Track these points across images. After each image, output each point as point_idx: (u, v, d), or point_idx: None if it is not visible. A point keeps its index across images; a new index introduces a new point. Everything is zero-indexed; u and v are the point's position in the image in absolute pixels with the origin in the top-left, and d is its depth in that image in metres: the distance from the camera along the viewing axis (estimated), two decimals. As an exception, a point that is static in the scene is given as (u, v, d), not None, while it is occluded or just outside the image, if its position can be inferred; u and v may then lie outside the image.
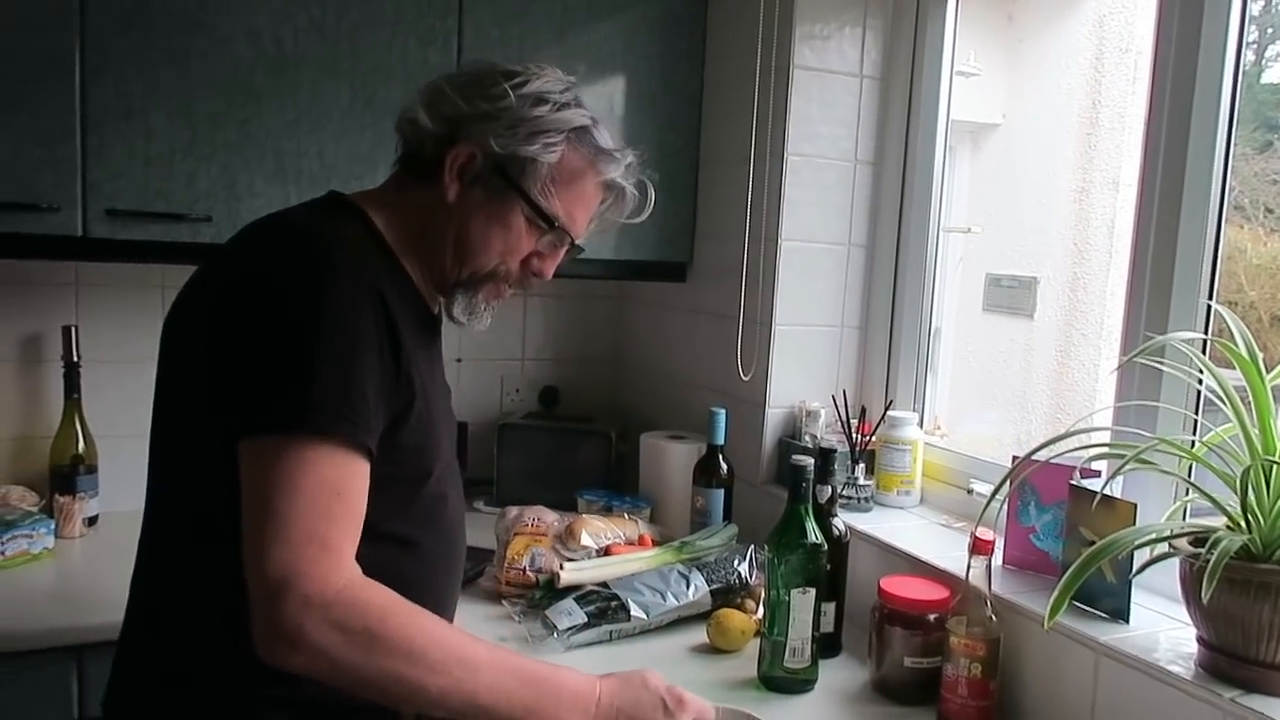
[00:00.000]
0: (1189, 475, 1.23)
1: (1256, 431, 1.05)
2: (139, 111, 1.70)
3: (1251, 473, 1.03)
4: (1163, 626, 1.24)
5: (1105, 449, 1.21)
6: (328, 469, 0.93)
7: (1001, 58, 5.04)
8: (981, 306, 5.24)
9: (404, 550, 1.08)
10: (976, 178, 5.29)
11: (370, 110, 1.85)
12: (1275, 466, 1.02)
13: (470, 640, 0.98)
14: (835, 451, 1.54)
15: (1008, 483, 1.34)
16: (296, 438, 0.92)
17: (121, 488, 1.91)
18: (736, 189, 1.94)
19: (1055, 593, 1.10)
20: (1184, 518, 1.28)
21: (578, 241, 1.17)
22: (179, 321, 1.04)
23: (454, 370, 2.41)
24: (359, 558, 0.98)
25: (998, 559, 1.48)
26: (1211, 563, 0.97)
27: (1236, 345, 1.09)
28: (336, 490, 0.93)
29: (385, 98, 1.85)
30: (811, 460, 1.41)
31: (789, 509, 1.40)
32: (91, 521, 1.92)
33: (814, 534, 1.39)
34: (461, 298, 1.13)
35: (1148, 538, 1.14)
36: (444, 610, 1.11)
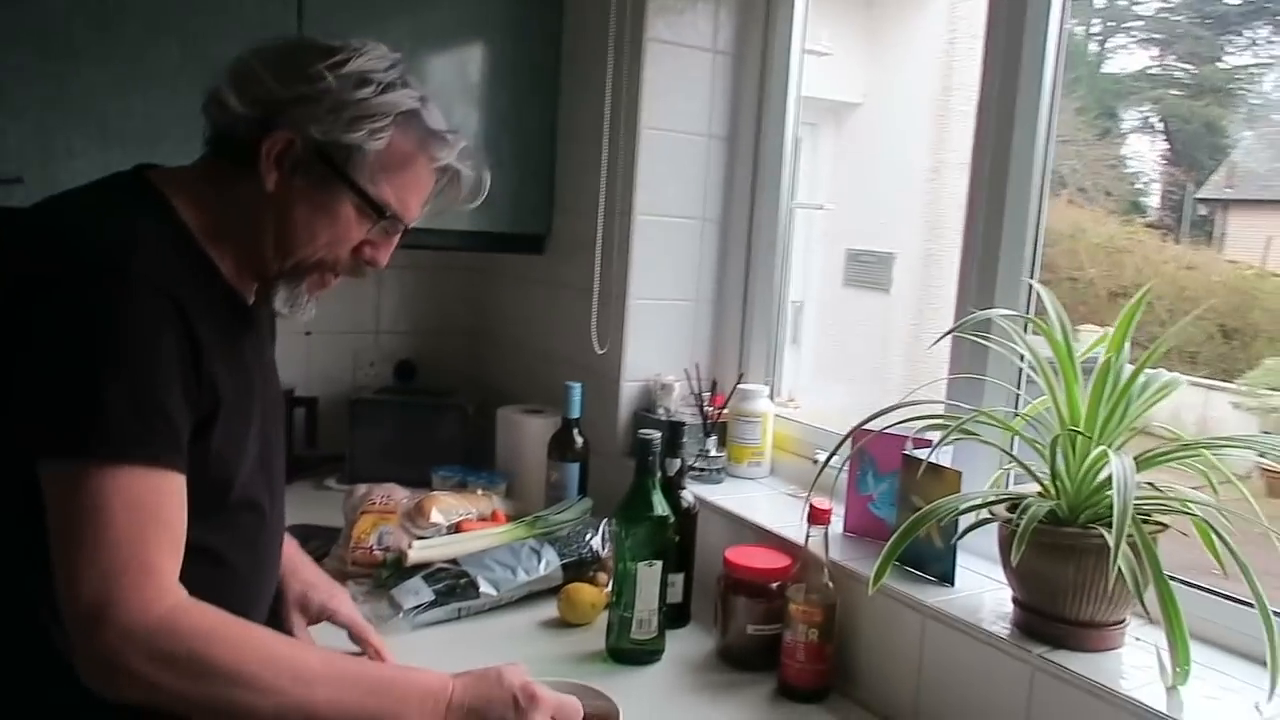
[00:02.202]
0: (1012, 446, 1.29)
1: (1065, 403, 1.12)
2: (-67, 61, 1.56)
3: (1060, 442, 1.09)
4: (986, 588, 1.31)
5: (933, 420, 1.25)
6: (138, 490, 0.87)
7: (863, 40, 5.18)
8: (842, 281, 5.42)
9: (207, 560, 1.01)
10: (839, 155, 5.44)
11: (204, 69, 1.71)
12: (1079, 436, 1.08)
13: (308, 654, 0.95)
14: (685, 425, 1.56)
15: (845, 451, 1.37)
16: (97, 464, 0.86)
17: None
18: (593, 162, 1.92)
19: (879, 559, 1.15)
20: (1007, 487, 1.35)
21: (410, 226, 1.12)
22: None
23: (304, 343, 2.33)
24: None
25: (839, 527, 1.53)
26: (1021, 527, 1.03)
27: (1049, 321, 1.14)
28: (150, 510, 0.88)
29: (221, 56, 1.73)
30: (658, 434, 1.42)
31: (635, 482, 1.41)
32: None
33: (660, 507, 1.40)
34: (284, 288, 1.06)
35: (969, 504, 1.19)
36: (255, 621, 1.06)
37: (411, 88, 1.05)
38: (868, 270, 5.21)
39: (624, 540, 1.39)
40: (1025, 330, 1.27)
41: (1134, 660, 1.11)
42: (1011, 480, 1.37)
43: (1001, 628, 1.19)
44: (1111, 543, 0.90)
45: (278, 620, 1.26)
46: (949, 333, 1.22)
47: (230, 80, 1.01)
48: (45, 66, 1.63)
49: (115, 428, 0.86)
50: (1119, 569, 0.94)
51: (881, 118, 5.04)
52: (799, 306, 5.46)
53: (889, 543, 1.15)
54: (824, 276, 5.51)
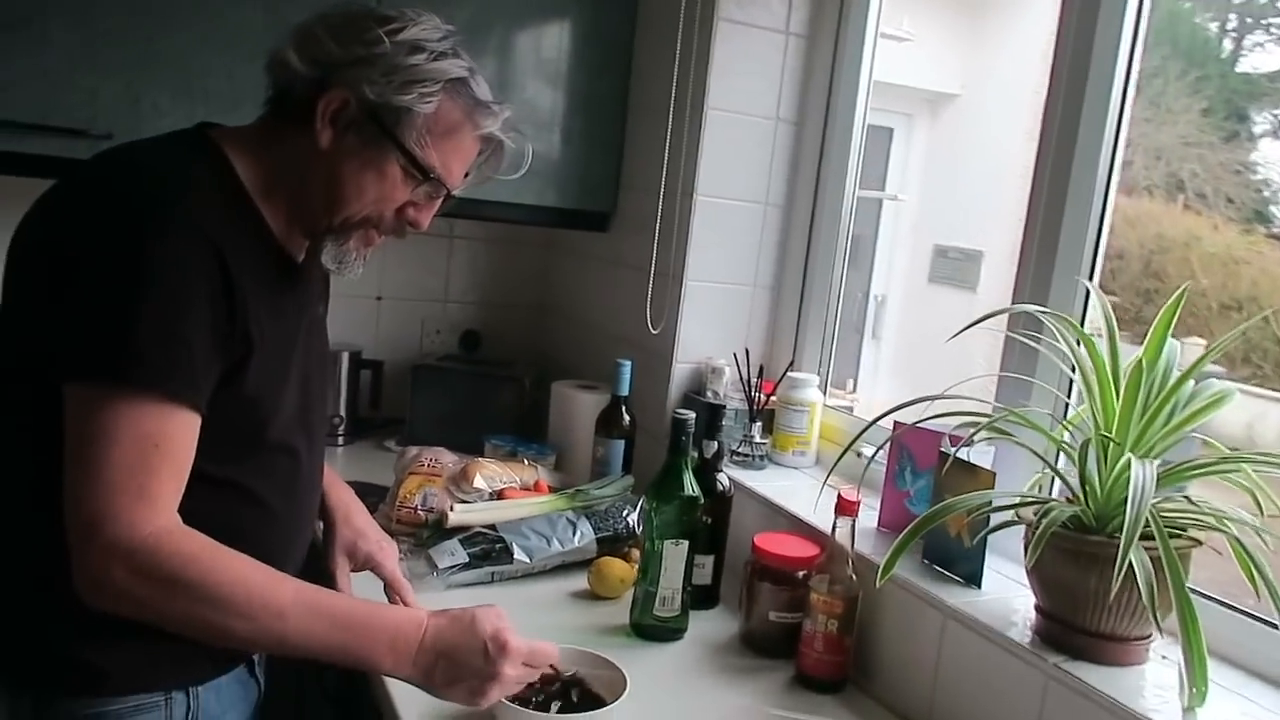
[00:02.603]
0: (1056, 456, 1.25)
1: (1101, 408, 1.08)
2: (34, 20, 1.65)
3: (1092, 446, 1.05)
4: (1013, 593, 1.27)
5: (968, 417, 1.22)
6: (148, 422, 0.93)
7: (964, 30, 5.03)
8: (927, 277, 5.28)
9: (242, 500, 1.07)
10: (932, 147, 5.30)
11: (283, 35, 1.80)
12: (1110, 443, 1.04)
13: (283, 585, 0.99)
14: (723, 408, 1.56)
15: (862, 442, 1.34)
16: (117, 389, 0.92)
17: None
18: (658, 141, 1.92)
19: (890, 550, 1.13)
20: (1050, 493, 1.30)
21: (454, 193, 1.15)
22: (17, 248, 1.01)
23: (374, 308, 2.40)
24: (195, 502, 0.98)
25: (873, 521, 1.51)
26: (1039, 531, 1.00)
27: (1101, 324, 1.10)
28: (155, 442, 0.93)
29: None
30: (692, 414, 1.42)
31: (668, 460, 1.41)
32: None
33: (690, 487, 1.41)
34: (331, 244, 1.11)
35: (997, 504, 1.16)
36: (285, 566, 1.11)
37: (462, 59, 1.10)
38: (955, 267, 5.06)
39: (653, 517, 1.40)
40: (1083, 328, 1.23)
41: (1156, 678, 1.07)
42: (1054, 488, 1.32)
43: (1021, 634, 1.16)
44: (1120, 550, 0.87)
45: (317, 564, 1.31)
46: (969, 327, 1.19)
47: (294, 42, 1.06)
48: (135, 28, 1.71)
49: (136, 357, 0.92)
50: (1135, 582, 0.90)
51: (980, 110, 4.89)
52: (881, 301, 5.36)
53: (903, 534, 1.13)
54: (909, 272, 5.38)
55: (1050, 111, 1.38)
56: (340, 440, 2.23)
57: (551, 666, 1.15)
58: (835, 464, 1.37)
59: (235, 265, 0.99)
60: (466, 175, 1.17)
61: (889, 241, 5.25)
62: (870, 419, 1.75)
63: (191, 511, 0.97)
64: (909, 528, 1.13)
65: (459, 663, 1.02)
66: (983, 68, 4.85)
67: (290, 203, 1.10)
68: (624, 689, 1.16)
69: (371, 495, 1.82)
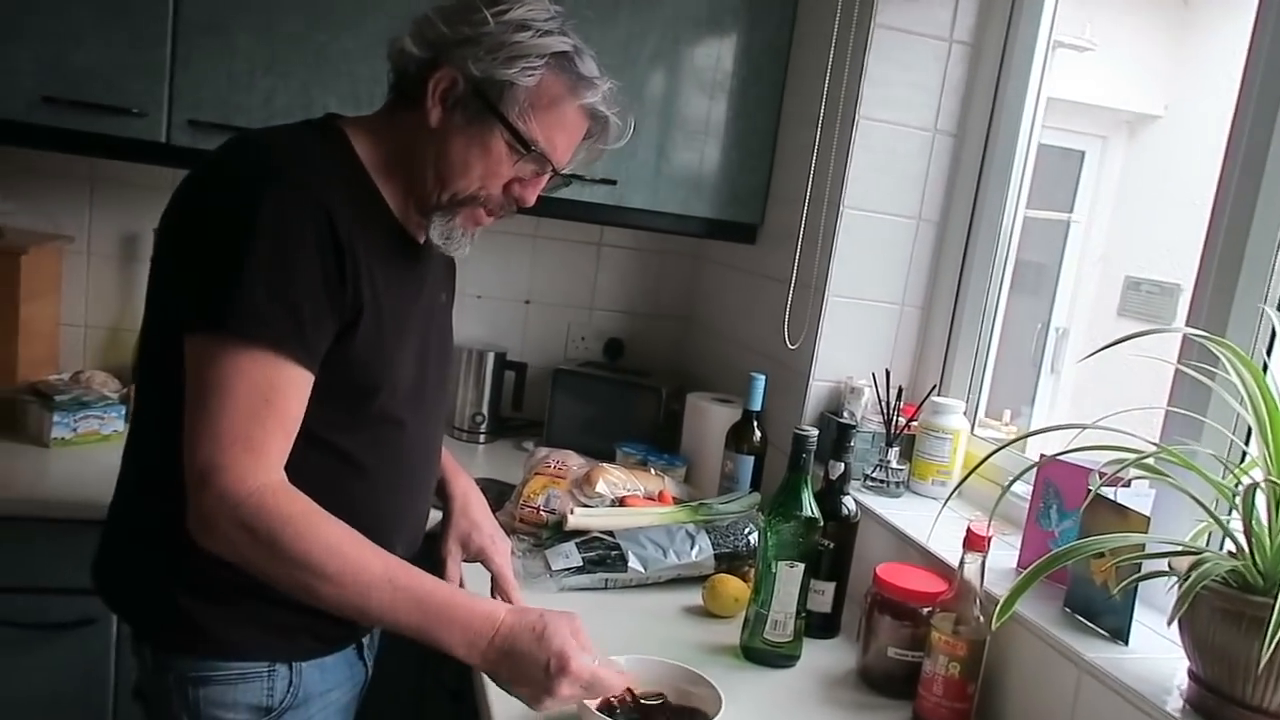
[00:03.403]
0: (1225, 509, 1.10)
1: (1273, 450, 0.94)
2: (224, 27, 1.78)
3: (1260, 493, 0.92)
4: (1165, 654, 1.14)
5: (1119, 453, 1.10)
6: (258, 374, 0.97)
7: (1169, 43, 4.65)
8: (1116, 310, 4.90)
9: (350, 469, 1.10)
10: (1129, 172, 4.92)
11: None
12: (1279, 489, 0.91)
13: (373, 558, 1.00)
14: (853, 428, 1.48)
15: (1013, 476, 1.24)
16: (228, 341, 0.97)
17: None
18: (807, 150, 1.86)
19: (1009, 590, 1.02)
20: (1219, 547, 1.16)
21: (561, 170, 1.16)
22: (161, 225, 1.09)
23: (522, 311, 2.44)
24: (305, 464, 1.01)
25: (1012, 560, 1.40)
26: (1186, 585, 0.88)
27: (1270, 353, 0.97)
28: (265, 395, 0.97)
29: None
30: (815, 431, 1.36)
31: (786, 478, 1.35)
32: (162, 413, 2.05)
33: (809, 507, 1.34)
34: (439, 221, 1.14)
35: (1147, 550, 1.04)
36: (392, 538, 1.13)
37: (568, 36, 1.11)
38: (1148, 301, 4.67)
39: (768, 536, 1.35)
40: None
41: (1329, 768, 0.92)
42: (1221, 540, 1.17)
43: (1169, 701, 1.03)
44: (1276, 611, 0.75)
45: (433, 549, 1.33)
46: (1103, 349, 1.07)
47: (411, 29, 1.11)
48: (312, 34, 1.82)
49: (248, 308, 0.96)
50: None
51: (1184, 133, 4.50)
52: (1062, 333, 5.02)
53: (1026, 571, 1.03)
54: (1096, 304, 5.01)
55: (1238, 124, 1.24)
56: (481, 438, 2.28)
57: (629, 691, 1.11)
58: (958, 480, 1.26)
59: (346, 232, 1.02)
60: (578, 153, 1.19)
61: (1073, 271, 4.92)
62: (1028, 453, 1.63)
63: (298, 474, 1.01)
64: (1035, 564, 1.02)
65: (521, 668, 1.01)
66: (1189, 86, 4.47)
67: (406, 181, 1.13)
68: (718, 710, 1.11)
69: (498, 490, 1.86)
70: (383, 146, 1.13)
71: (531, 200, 1.17)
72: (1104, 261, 4.97)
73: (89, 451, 1.85)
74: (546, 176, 1.16)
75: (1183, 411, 1.22)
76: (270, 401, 0.98)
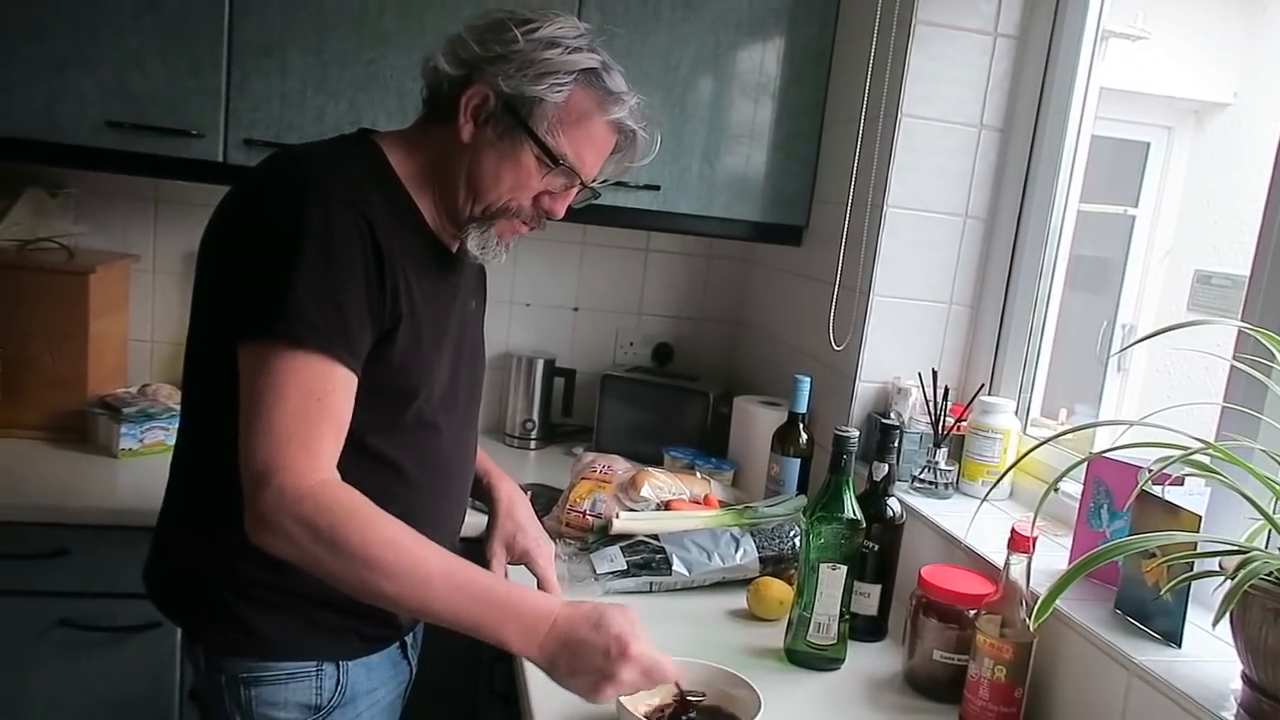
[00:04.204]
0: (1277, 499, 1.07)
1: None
2: (277, 48, 1.83)
3: (1309, 490, 0.89)
4: (1219, 658, 1.10)
5: (1170, 450, 1.07)
6: (308, 375, 1.00)
7: (1240, 29, 4.50)
8: (1186, 305, 4.75)
9: (390, 472, 1.13)
10: (1196, 162, 4.77)
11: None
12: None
13: (431, 553, 1.02)
14: (896, 429, 1.46)
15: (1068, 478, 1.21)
16: (280, 345, 1.00)
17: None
18: (850, 150, 1.85)
19: (1046, 590, 1.00)
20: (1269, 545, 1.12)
21: (589, 184, 1.18)
22: (205, 238, 1.13)
23: (569, 318, 2.47)
24: (348, 470, 1.04)
25: (1063, 562, 1.36)
26: (1233, 585, 0.85)
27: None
28: (317, 396, 1.00)
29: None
30: (855, 432, 1.35)
31: (828, 480, 1.34)
32: (224, 424, 2.12)
33: (851, 509, 1.33)
34: (475, 233, 1.17)
35: (1199, 549, 1.01)
36: (431, 540, 1.15)
37: (597, 53, 1.13)
38: (1221, 295, 4.50)
39: (810, 538, 1.34)
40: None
41: (1390, 777, 0.88)
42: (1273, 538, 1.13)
43: (1221, 705, 0.99)
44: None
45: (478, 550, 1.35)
46: (1138, 342, 1.04)
47: (444, 47, 1.14)
48: (361, 52, 1.86)
49: (296, 315, 0.99)
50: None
51: (1255, 120, 4.34)
52: (1129, 330, 4.87)
53: (1066, 570, 1.01)
54: (1164, 299, 4.86)
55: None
56: (532, 444, 2.31)
57: (676, 685, 1.11)
58: (994, 471, 1.23)
59: (386, 241, 1.06)
60: (607, 167, 1.21)
61: (1139, 266, 4.78)
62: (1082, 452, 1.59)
63: (340, 476, 1.03)
64: (1075, 562, 1.00)
65: (581, 657, 1.01)
66: (1259, 72, 4.32)
67: (439, 193, 1.17)
68: (757, 712, 1.10)
69: (545, 496, 1.87)
70: (416, 160, 1.16)
71: (561, 213, 1.20)
72: (1171, 255, 4.82)
73: (155, 461, 1.92)
74: (575, 189, 1.18)
75: (1238, 407, 1.18)
76: (322, 401, 1.00)
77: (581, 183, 1.17)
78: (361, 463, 1.08)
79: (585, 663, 1.02)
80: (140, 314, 2.22)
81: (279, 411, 0.99)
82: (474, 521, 1.42)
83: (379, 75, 1.88)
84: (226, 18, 1.81)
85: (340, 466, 1.03)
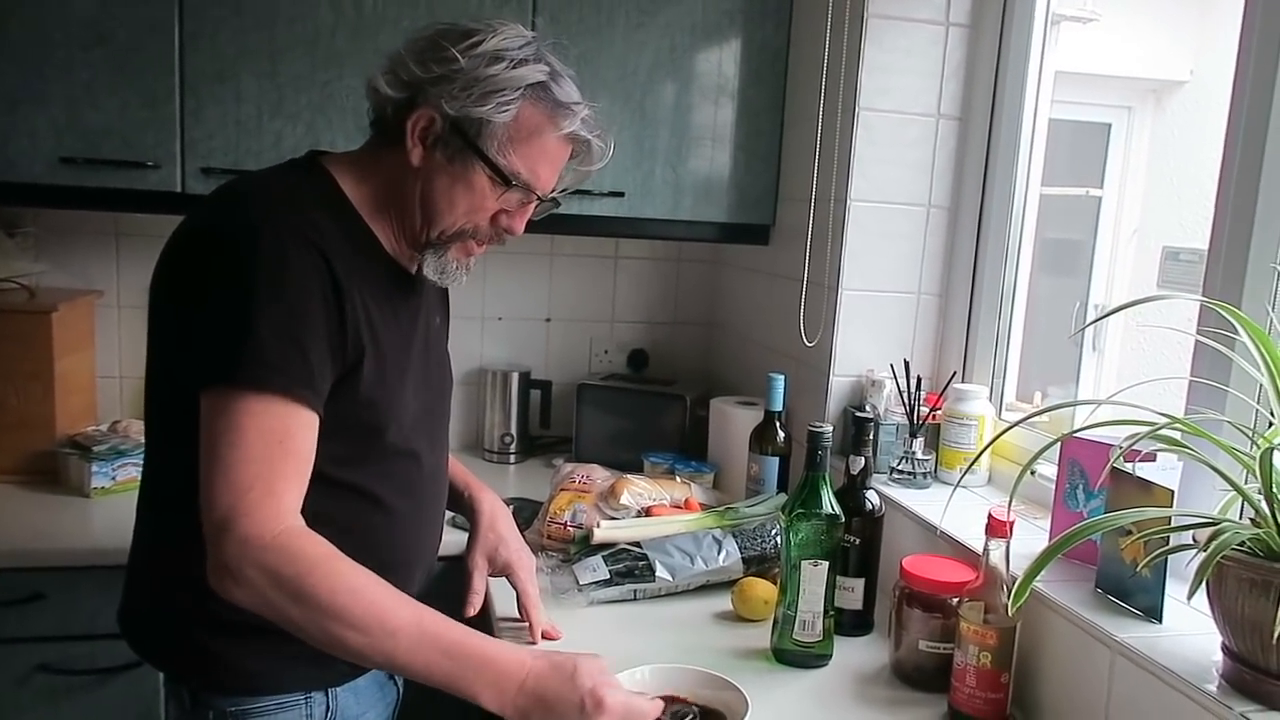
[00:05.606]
0: (1249, 467, 1.08)
1: (1286, 412, 0.91)
2: (230, 74, 1.82)
3: (1275, 456, 0.89)
4: (1200, 631, 1.10)
5: (1137, 426, 1.07)
6: (270, 419, 0.97)
7: (1193, 6, 4.55)
8: (1157, 282, 4.79)
9: (366, 502, 1.11)
10: (1158, 141, 4.82)
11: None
12: (1296, 452, 0.88)
13: (399, 604, 0.99)
14: (870, 421, 1.46)
15: (1044, 459, 1.21)
16: (241, 389, 0.97)
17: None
18: (809, 148, 1.86)
19: (1022, 575, 1.00)
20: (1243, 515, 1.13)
21: (545, 197, 1.16)
22: (156, 274, 1.10)
23: (543, 329, 2.46)
24: (323, 503, 1.02)
25: (1040, 545, 1.36)
26: (1205, 556, 0.86)
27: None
28: (279, 439, 0.98)
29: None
30: (829, 427, 1.35)
31: (804, 476, 1.34)
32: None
33: (830, 504, 1.33)
34: (432, 258, 1.14)
35: (1173, 523, 1.01)
36: (413, 567, 1.13)
37: (544, 63, 1.10)
38: (1189, 271, 4.54)
39: (790, 536, 1.34)
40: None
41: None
42: (1245, 509, 1.14)
43: (1205, 676, 1.00)
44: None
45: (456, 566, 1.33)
46: (1097, 320, 1.04)
47: (383, 67, 1.11)
48: (315, 75, 1.85)
49: (257, 357, 0.97)
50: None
51: (1212, 96, 4.39)
52: (1102, 310, 4.91)
53: (1040, 554, 1.01)
54: (1135, 277, 4.91)
55: (1240, 82, 1.21)
56: (512, 458, 2.30)
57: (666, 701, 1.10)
58: (970, 456, 1.24)
59: (344, 273, 1.03)
60: (564, 177, 1.19)
61: (1108, 246, 4.82)
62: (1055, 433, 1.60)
63: (317, 514, 1.01)
64: (1049, 545, 1.00)
65: (554, 711, 0.99)
66: (1213, 48, 4.37)
67: (395, 217, 1.14)
68: (745, 713, 1.10)
69: (527, 510, 1.86)
70: (369, 184, 1.13)
71: (520, 230, 1.17)
72: (1140, 234, 4.87)
73: (129, 499, 1.84)
74: (533, 205, 1.16)
75: (1205, 380, 1.19)
76: (284, 445, 0.98)
77: (538, 197, 1.15)
78: (338, 496, 1.06)
79: (559, 717, 1.00)
80: (107, 350, 2.19)
81: (240, 458, 0.96)
82: (452, 540, 1.41)
83: (335, 97, 1.87)
84: (177, 46, 1.79)
85: (316, 502, 1.02)
